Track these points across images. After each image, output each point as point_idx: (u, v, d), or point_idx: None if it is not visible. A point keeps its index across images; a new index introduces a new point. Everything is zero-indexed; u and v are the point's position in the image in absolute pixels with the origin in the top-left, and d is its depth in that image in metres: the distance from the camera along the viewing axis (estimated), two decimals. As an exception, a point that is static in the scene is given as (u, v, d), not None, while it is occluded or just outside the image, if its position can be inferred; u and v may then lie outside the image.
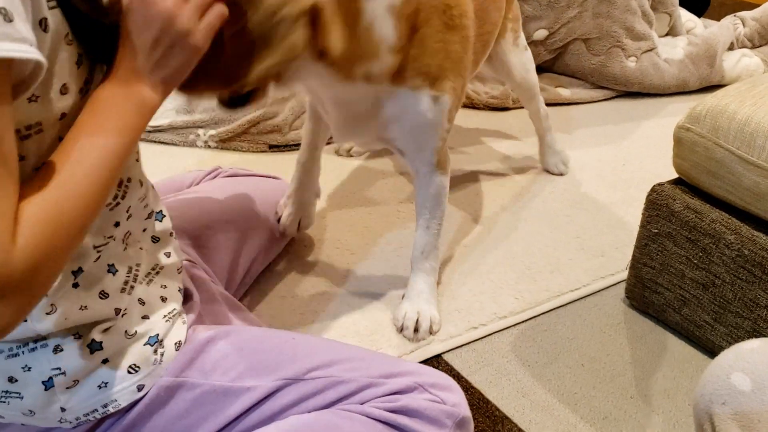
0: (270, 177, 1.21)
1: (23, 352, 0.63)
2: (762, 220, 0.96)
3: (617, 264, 1.24)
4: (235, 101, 0.79)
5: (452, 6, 0.92)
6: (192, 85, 0.67)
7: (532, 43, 1.88)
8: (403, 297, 1.09)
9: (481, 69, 1.24)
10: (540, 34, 1.90)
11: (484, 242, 1.29)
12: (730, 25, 2.19)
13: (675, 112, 1.92)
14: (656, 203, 1.07)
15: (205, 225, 1.00)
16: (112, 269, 0.67)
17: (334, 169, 1.50)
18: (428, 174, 1.03)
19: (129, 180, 0.68)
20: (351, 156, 1.56)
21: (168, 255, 0.77)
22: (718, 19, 2.74)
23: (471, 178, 1.51)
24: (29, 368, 0.64)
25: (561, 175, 1.54)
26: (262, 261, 1.11)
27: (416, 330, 1.04)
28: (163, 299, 0.74)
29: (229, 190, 1.10)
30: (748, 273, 0.97)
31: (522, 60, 1.36)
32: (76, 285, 0.64)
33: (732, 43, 2.16)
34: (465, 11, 0.95)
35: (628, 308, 1.15)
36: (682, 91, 2.02)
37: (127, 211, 0.68)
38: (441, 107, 0.95)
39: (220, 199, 1.07)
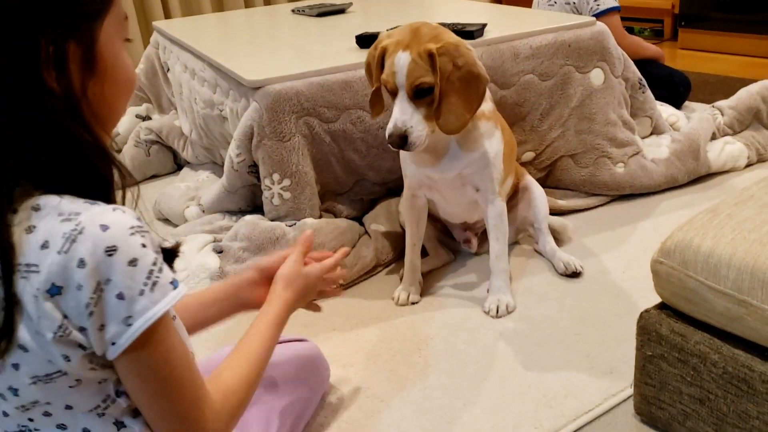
0: (298, 340, 1.34)
1: None
2: (740, 339, 1.07)
3: (625, 379, 1.34)
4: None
5: (505, 128, 1.69)
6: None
7: (523, 164, 2.05)
8: (488, 291, 1.64)
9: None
10: (528, 155, 2.06)
11: (502, 373, 1.40)
12: (710, 117, 2.34)
13: (668, 209, 2.05)
14: (646, 328, 1.18)
15: None
16: None
17: (356, 316, 1.64)
18: (493, 200, 1.59)
19: None
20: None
21: None
22: (704, 99, 2.92)
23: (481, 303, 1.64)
24: None
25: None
26: (298, 424, 1.23)
27: (497, 313, 1.58)
28: None
29: None
30: (736, 388, 1.07)
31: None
32: None
33: (714, 133, 2.31)
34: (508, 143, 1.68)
35: (639, 423, 1.24)
36: (672, 186, 2.16)
37: None
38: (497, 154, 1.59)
39: None
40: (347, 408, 1.34)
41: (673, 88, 2.81)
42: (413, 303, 1.68)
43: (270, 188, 1.76)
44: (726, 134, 2.36)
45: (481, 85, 1.44)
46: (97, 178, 0.72)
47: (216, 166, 2.31)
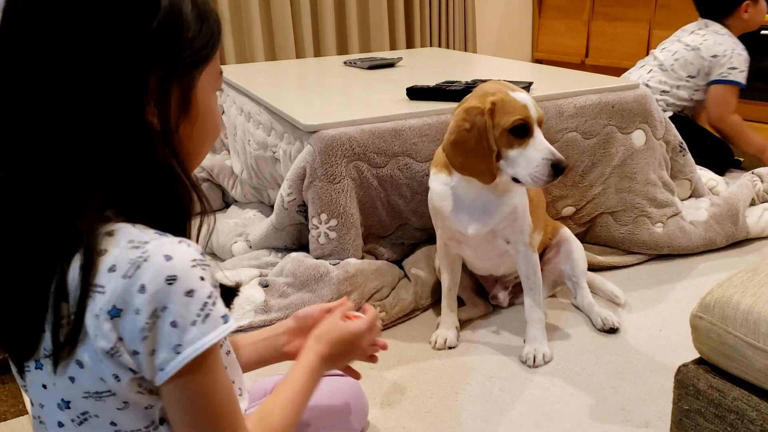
0: (341, 375, 1.38)
1: None
2: (778, 397, 1.09)
3: (661, 435, 1.35)
4: None
5: (533, 198, 1.69)
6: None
7: (562, 219, 2.09)
8: (524, 341, 1.66)
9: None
10: (568, 210, 2.11)
11: (537, 421, 1.42)
12: (749, 183, 2.37)
13: (706, 271, 2.07)
14: (683, 382, 1.20)
15: None
16: None
17: (393, 357, 1.67)
18: (524, 251, 1.62)
19: None
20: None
21: None
22: (744, 167, 2.94)
23: (518, 352, 1.66)
24: None
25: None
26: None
27: (534, 362, 1.60)
28: None
29: None
30: (774, 446, 1.08)
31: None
32: None
33: (753, 199, 2.33)
34: (534, 199, 1.70)
35: (675, 479, 1.25)
36: (710, 248, 2.17)
37: None
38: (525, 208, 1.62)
39: None
40: (384, 444, 1.36)
41: (713, 154, 2.85)
42: (450, 347, 1.71)
43: (317, 227, 1.83)
44: (765, 201, 2.38)
45: None
46: (179, 210, 0.77)
47: (263, 206, 2.40)
